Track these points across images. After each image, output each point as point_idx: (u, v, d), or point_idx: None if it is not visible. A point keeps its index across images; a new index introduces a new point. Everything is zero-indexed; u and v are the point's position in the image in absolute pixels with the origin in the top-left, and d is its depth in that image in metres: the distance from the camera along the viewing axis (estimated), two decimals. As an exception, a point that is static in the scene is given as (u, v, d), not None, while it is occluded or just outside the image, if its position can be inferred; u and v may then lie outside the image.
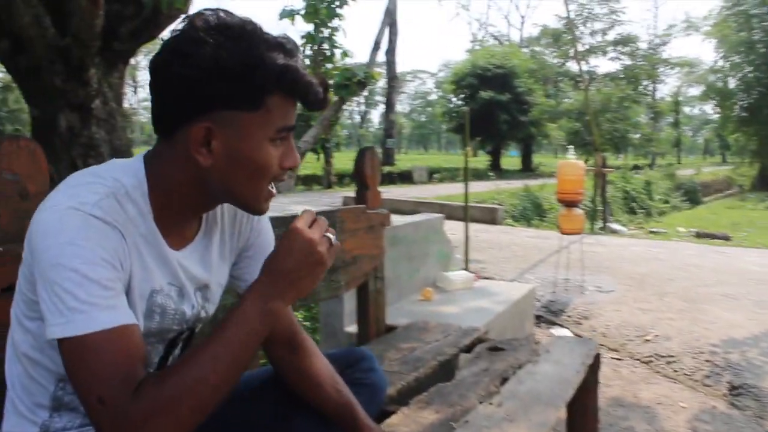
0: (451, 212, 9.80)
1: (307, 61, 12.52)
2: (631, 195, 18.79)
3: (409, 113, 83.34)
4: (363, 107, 71.92)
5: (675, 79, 39.75)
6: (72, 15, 3.07)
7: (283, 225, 1.49)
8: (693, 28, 34.80)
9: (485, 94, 25.75)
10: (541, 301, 5.29)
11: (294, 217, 1.04)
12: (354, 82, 12.27)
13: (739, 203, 23.05)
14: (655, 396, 3.54)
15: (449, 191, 14.92)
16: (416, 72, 79.35)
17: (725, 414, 3.28)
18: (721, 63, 30.77)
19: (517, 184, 16.58)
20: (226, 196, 1.08)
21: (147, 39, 3.70)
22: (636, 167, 28.47)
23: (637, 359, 4.16)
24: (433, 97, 73.04)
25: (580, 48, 17.12)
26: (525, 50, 34.29)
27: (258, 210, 1.08)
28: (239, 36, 0.97)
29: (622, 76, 19.67)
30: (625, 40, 19.95)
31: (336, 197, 13.29)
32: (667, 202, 21.51)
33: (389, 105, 28.08)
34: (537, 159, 37.12)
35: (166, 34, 1.55)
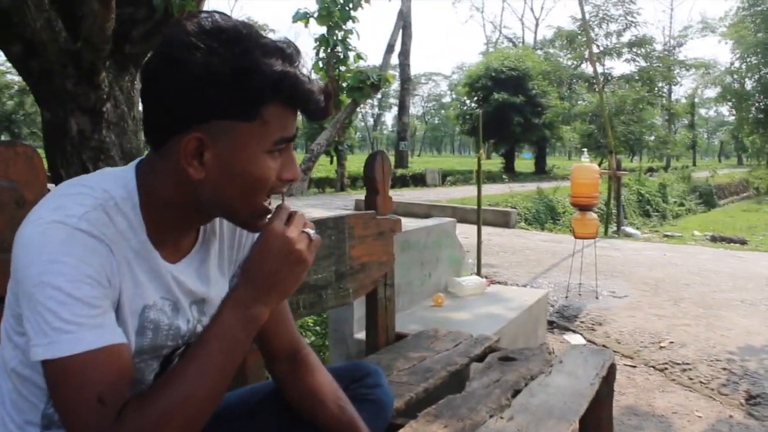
0: (464, 215, 9.75)
1: (321, 64, 12.52)
2: (645, 198, 18.63)
3: (423, 116, 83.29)
4: (376, 110, 72.05)
5: (691, 80, 39.47)
6: (84, 19, 3.07)
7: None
8: (709, 29, 34.57)
9: (499, 97, 25.64)
10: (554, 307, 5.23)
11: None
12: (367, 84, 12.29)
13: (756, 206, 22.80)
14: (670, 405, 3.48)
15: (462, 194, 14.86)
16: (430, 74, 79.40)
17: (742, 424, 3.21)
18: (737, 64, 30.50)
19: (530, 187, 16.49)
20: (220, 211, 1.03)
21: (158, 42, 3.70)
22: (651, 169, 28.25)
23: (652, 366, 4.09)
24: (446, 99, 73.06)
25: (594, 50, 16.98)
26: (539, 52, 34.16)
27: (253, 227, 1.03)
28: (233, 40, 0.91)
29: (637, 78, 19.47)
30: (640, 42, 19.76)
31: (349, 200, 13.27)
32: (682, 204, 21.32)
33: (402, 107, 28.02)
34: (551, 161, 36.93)
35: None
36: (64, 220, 0.88)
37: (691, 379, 3.84)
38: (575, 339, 4.68)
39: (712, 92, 37.74)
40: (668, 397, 3.58)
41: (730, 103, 32.32)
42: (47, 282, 0.85)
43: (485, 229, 6.39)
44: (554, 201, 14.04)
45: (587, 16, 16.32)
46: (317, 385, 1.21)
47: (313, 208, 10.92)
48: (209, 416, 0.92)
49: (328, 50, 12.19)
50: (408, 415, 1.69)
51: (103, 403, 0.85)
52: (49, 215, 0.89)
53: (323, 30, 12.01)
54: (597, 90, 15.46)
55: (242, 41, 0.92)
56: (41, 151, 3.70)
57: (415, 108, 75.86)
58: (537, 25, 55.07)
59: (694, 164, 44.98)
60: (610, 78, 20.02)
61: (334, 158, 18.45)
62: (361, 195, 13.68)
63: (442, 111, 71.30)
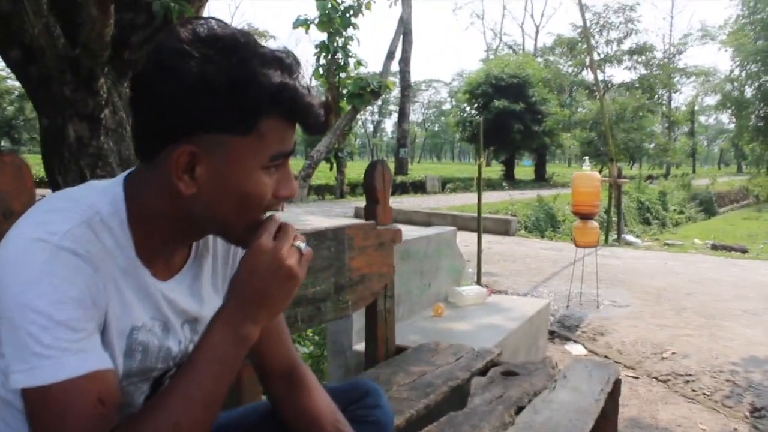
0: (464, 223, 9.71)
1: (321, 70, 12.50)
2: (645, 205, 18.61)
3: (423, 122, 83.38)
4: (376, 116, 72.09)
5: (691, 88, 39.51)
6: (82, 24, 3.04)
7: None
8: (709, 37, 34.61)
9: (499, 104, 25.65)
10: (555, 316, 5.19)
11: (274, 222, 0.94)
12: (368, 91, 12.27)
13: (756, 214, 22.79)
14: (673, 417, 3.43)
15: (462, 201, 14.83)
16: (430, 81, 79.50)
17: (747, 438, 3.17)
18: (737, 72, 30.55)
19: (530, 195, 16.46)
20: (212, 229, 0.98)
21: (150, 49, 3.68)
22: (650, 177, 28.24)
23: (655, 378, 4.05)
24: (446, 106, 73.15)
25: (595, 57, 16.98)
26: (539, 59, 34.20)
27: (247, 245, 0.96)
28: (230, 49, 0.86)
29: (638, 85, 19.47)
30: (641, 50, 19.77)
31: (348, 207, 13.23)
32: (682, 212, 21.30)
33: (402, 114, 28.01)
34: (550, 169, 36.94)
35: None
36: (46, 237, 0.83)
37: (694, 390, 3.79)
38: (576, 349, 4.64)
39: (712, 100, 37.83)
40: (671, 409, 3.54)
41: (729, 111, 32.37)
42: (27, 304, 0.79)
43: (485, 237, 6.35)
44: (554, 209, 14.01)
45: (588, 24, 16.32)
46: (314, 406, 1.15)
47: (313, 215, 10.88)
48: None
49: (329, 57, 12.17)
50: (409, 432, 1.65)
51: None
52: (31, 232, 0.84)
53: (324, 36, 12.00)
54: (598, 97, 15.44)
55: (239, 50, 0.87)
56: (39, 158, 3.66)
57: (415, 115, 76.02)
58: (537, 32, 55.33)
59: (694, 172, 45.01)
60: (610, 85, 20.03)
61: (334, 165, 18.42)
62: (360, 202, 13.62)
63: (442, 118, 71.34)
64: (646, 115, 19.03)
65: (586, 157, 6.54)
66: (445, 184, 23.58)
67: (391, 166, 15.79)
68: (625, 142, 17.48)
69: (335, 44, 12.09)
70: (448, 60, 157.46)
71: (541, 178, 30.01)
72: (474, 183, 21.12)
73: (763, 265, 8.26)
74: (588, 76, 21.99)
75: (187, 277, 1.04)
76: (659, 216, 19.03)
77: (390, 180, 2.40)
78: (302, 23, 11.59)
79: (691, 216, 21.69)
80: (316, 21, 11.50)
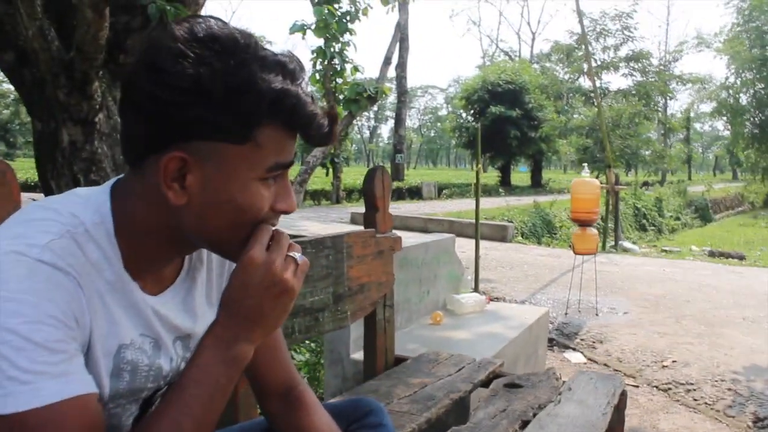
0: (460, 229, 9.68)
1: (317, 76, 12.47)
2: (641, 212, 18.62)
3: (419, 128, 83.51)
4: (372, 122, 72.19)
5: (686, 95, 39.64)
6: (77, 27, 2.99)
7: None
8: (704, 45, 34.71)
9: (495, 110, 25.66)
10: (554, 324, 5.15)
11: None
12: (364, 96, 12.26)
13: (752, 220, 22.86)
14: (675, 427, 3.39)
15: (459, 207, 14.80)
16: (426, 87, 79.71)
17: (751, 449, 3.13)
18: (732, 79, 30.64)
19: (526, 201, 16.46)
20: (204, 243, 0.91)
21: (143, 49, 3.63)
22: (646, 183, 28.27)
23: (655, 386, 4.01)
24: (442, 112, 73.28)
25: (592, 64, 16.99)
26: (535, 66, 34.25)
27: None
28: (228, 51, 0.80)
29: (634, 92, 19.49)
30: (637, 56, 19.79)
31: (344, 213, 13.18)
32: (678, 219, 21.33)
33: (399, 120, 27.99)
34: (546, 175, 36.97)
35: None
36: (24, 250, 0.76)
37: (695, 400, 3.75)
38: (576, 357, 4.59)
39: (707, 107, 37.91)
40: (673, 419, 3.49)
41: (725, 118, 32.42)
42: (1, 324, 0.72)
43: (482, 244, 6.31)
44: (551, 215, 13.99)
45: (585, 30, 16.34)
46: (314, 426, 1.09)
47: (309, 220, 10.83)
48: None
49: (325, 62, 12.13)
50: (410, 448, 1.60)
51: None
52: (8, 244, 0.77)
53: (320, 42, 11.97)
54: (595, 104, 15.45)
55: (238, 52, 0.80)
56: (34, 162, 3.59)
57: (411, 120, 76.12)
58: (533, 39, 55.38)
59: (690, 178, 45.10)
60: (607, 92, 20.04)
61: (330, 170, 18.38)
62: (357, 207, 13.59)
63: (438, 124, 71.47)
64: (642, 122, 19.04)
65: (586, 164, 6.50)
66: (442, 190, 23.56)
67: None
68: (621, 149, 17.48)
69: (332, 50, 12.06)
70: (444, 66, 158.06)
71: (537, 185, 30.01)
72: (470, 189, 21.11)
73: (762, 272, 8.25)
74: (585, 83, 22.02)
75: (180, 290, 0.98)
76: (655, 222, 19.04)
77: (390, 187, 2.35)
78: (299, 29, 11.56)
79: (687, 222, 21.73)
80: (313, 26, 11.48)
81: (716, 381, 3.93)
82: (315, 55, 12.35)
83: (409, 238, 4.05)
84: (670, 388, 3.94)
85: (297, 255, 0.89)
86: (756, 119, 30.10)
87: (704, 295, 6.31)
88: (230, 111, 0.79)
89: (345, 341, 2.88)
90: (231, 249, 0.89)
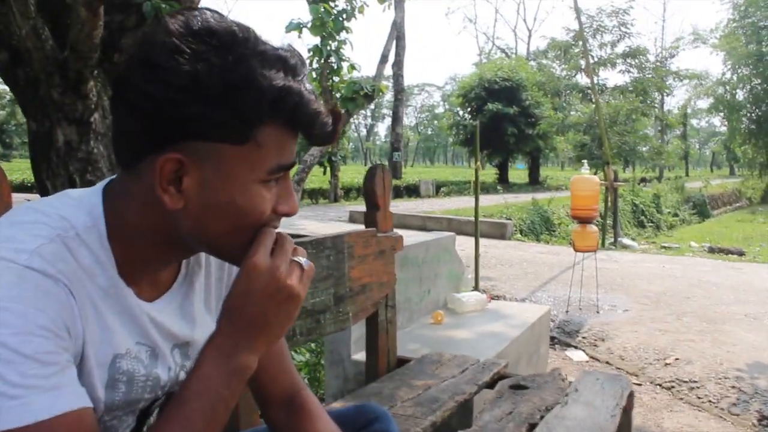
0: (459, 227, 9.64)
1: (314, 74, 12.45)
2: (639, 208, 18.59)
3: (416, 126, 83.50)
4: (369, 120, 72.18)
5: (683, 91, 39.68)
6: (71, 26, 2.95)
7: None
8: (700, 41, 34.74)
9: (492, 107, 25.64)
10: (555, 321, 5.12)
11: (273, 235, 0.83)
12: (361, 95, 12.21)
13: (750, 216, 22.85)
14: (679, 426, 3.36)
15: (457, 205, 14.77)
16: (423, 85, 79.73)
17: (756, 447, 3.10)
18: (729, 75, 30.67)
19: (525, 198, 16.43)
20: (202, 247, 0.86)
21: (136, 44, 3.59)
22: (643, 180, 28.27)
23: (658, 384, 3.98)
24: (439, 110, 73.29)
25: (590, 60, 17.00)
26: (532, 63, 34.24)
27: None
28: (226, 45, 0.75)
29: (631, 89, 19.50)
30: (634, 53, 19.81)
31: (342, 211, 13.14)
32: (676, 215, 21.31)
33: (396, 118, 27.96)
34: (544, 172, 36.97)
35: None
36: (11, 256, 0.71)
37: (699, 398, 3.72)
38: (578, 356, 4.56)
39: (704, 103, 37.98)
40: (677, 417, 3.46)
41: (722, 114, 32.48)
42: None
43: (481, 241, 6.27)
44: (549, 212, 13.96)
45: (582, 27, 16.31)
46: None
47: (307, 219, 10.79)
48: None
49: (322, 61, 12.08)
50: (415, 452, 1.56)
51: None
52: None
53: (317, 40, 11.92)
54: (593, 101, 15.42)
55: (237, 47, 0.75)
56: (29, 163, 3.56)
57: (408, 118, 76.14)
58: (530, 36, 55.58)
59: (687, 174, 45.15)
60: (604, 88, 20.04)
61: (328, 169, 18.34)
62: (355, 206, 13.56)
63: (435, 122, 71.40)
64: (639, 119, 19.05)
65: (585, 161, 6.47)
66: (439, 188, 23.54)
67: (386, 170, 15.65)
68: (618, 145, 17.47)
69: (328, 48, 12.00)
70: (441, 64, 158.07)
71: (534, 182, 30.01)
72: (468, 186, 21.08)
73: (762, 268, 8.23)
74: (582, 79, 22.02)
75: (177, 296, 0.93)
76: (654, 219, 19.02)
77: (390, 185, 2.31)
78: (295, 27, 11.49)
79: (685, 218, 21.70)
80: (309, 25, 11.43)
81: (720, 379, 3.90)
82: (311, 53, 12.31)
83: (408, 237, 4.01)
84: (673, 386, 3.91)
85: (302, 260, 0.85)
86: (753, 115, 30.15)
87: (705, 291, 6.28)
88: (229, 109, 0.74)
89: (346, 342, 2.84)
90: (232, 253, 0.84)
